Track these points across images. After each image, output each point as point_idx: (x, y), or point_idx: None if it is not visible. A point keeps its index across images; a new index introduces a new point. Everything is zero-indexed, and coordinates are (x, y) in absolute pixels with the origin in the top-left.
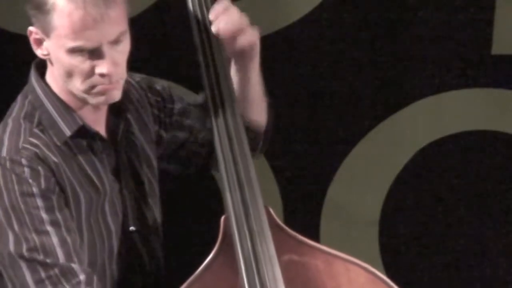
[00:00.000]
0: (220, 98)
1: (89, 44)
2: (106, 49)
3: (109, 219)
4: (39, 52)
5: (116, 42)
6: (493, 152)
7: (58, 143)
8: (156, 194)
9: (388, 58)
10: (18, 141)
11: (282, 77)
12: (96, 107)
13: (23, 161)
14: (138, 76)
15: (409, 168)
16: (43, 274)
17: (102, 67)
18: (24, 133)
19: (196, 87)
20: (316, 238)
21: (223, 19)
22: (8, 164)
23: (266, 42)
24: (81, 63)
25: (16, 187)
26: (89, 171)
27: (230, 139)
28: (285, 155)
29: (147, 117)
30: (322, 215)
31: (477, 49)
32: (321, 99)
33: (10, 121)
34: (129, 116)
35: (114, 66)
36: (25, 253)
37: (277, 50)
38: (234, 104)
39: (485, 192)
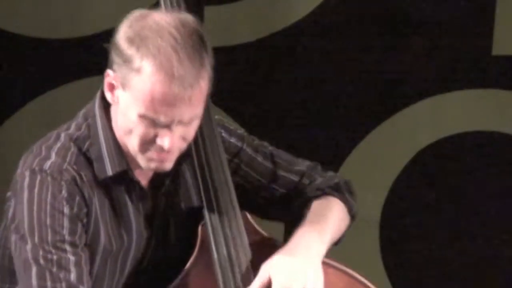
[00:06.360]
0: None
1: (161, 119)
2: (174, 126)
3: (129, 262)
4: (109, 96)
5: (187, 123)
6: (493, 152)
7: (98, 179)
8: (180, 242)
9: (388, 59)
10: (63, 163)
11: (282, 78)
12: None
13: (63, 183)
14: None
15: (409, 169)
16: (49, 284)
17: (164, 141)
18: (71, 157)
19: None
20: None
21: None
22: (49, 178)
23: (266, 43)
24: (146, 129)
25: (48, 199)
26: (119, 214)
27: (205, 151)
28: None
29: None
30: None
31: (478, 50)
32: (322, 100)
33: (62, 137)
34: (184, 167)
35: (177, 140)
36: (41, 260)
37: (277, 51)
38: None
39: (486, 193)
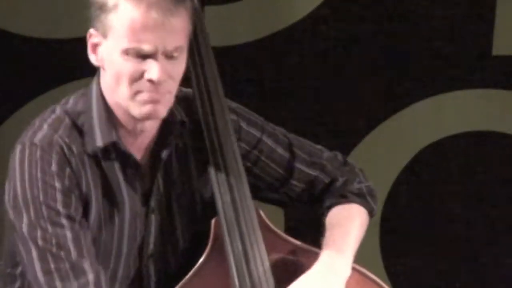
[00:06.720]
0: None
1: (145, 47)
2: (160, 57)
3: (125, 241)
4: (93, 58)
5: (171, 55)
6: (493, 152)
7: (90, 152)
8: (188, 225)
9: (389, 59)
10: (53, 135)
11: (282, 78)
12: (138, 132)
13: (54, 155)
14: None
15: (409, 169)
16: (52, 266)
17: (152, 72)
18: (63, 129)
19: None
20: (317, 239)
21: None
22: (38, 152)
23: (266, 43)
24: (132, 67)
25: (39, 175)
26: (112, 193)
27: (219, 143)
28: None
29: None
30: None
31: (478, 49)
32: (322, 100)
33: (58, 109)
34: (182, 145)
35: (164, 75)
36: (39, 241)
37: (277, 51)
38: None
39: (486, 193)
